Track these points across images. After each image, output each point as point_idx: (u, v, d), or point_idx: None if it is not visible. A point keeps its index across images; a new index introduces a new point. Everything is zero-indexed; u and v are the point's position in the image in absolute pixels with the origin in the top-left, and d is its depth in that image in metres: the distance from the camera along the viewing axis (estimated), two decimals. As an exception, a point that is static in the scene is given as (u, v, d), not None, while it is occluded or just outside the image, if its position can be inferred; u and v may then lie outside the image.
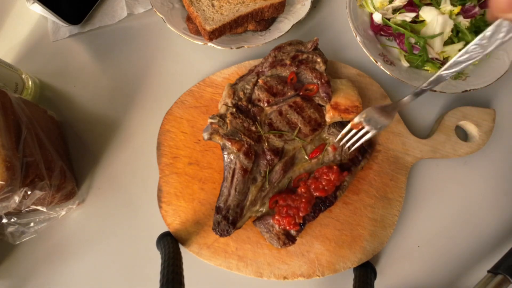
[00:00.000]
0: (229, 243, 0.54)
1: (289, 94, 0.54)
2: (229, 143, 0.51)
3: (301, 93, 0.55)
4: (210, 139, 0.51)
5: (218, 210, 0.51)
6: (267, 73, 0.56)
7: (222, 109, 0.54)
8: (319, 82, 0.55)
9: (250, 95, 0.55)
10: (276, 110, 0.54)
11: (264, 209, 0.53)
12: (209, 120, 0.52)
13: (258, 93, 0.54)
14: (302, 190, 0.52)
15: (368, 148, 0.56)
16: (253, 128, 0.53)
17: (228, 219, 0.50)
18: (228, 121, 0.52)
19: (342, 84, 0.56)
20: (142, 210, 0.59)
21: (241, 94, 0.54)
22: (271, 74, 0.56)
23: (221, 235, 0.50)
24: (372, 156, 0.57)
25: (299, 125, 0.54)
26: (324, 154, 0.54)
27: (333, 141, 0.55)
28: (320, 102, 0.55)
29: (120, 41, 0.69)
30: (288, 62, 0.55)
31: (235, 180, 0.51)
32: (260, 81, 0.55)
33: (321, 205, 0.52)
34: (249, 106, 0.54)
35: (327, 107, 0.55)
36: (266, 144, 0.52)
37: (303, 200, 0.51)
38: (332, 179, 0.52)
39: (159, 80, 0.66)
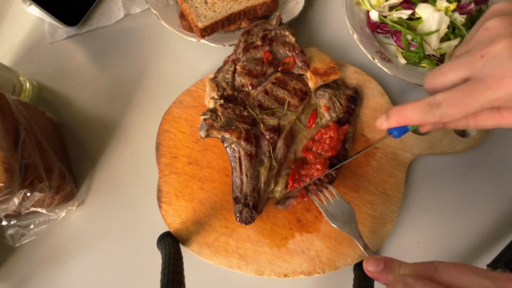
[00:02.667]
0: (229, 242, 0.55)
1: (269, 72, 0.56)
2: (227, 133, 0.51)
3: (280, 69, 0.57)
4: (208, 135, 0.51)
5: (236, 200, 0.52)
6: (242, 58, 0.57)
7: (210, 104, 0.55)
8: (293, 54, 0.57)
9: (233, 83, 0.56)
10: (262, 90, 0.55)
11: (279, 187, 0.54)
12: (202, 117, 0.53)
13: (240, 79, 0.55)
14: (310, 157, 0.54)
15: (356, 96, 0.58)
16: (245, 113, 0.53)
17: (249, 206, 0.51)
18: (220, 113, 0.52)
19: (313, 52, 0.60)
20: (142, 210, 0.59)
21: (224, 85, 0.55)
22: (247, 58, 0.57)
23: (246, 223, 0.51)
24: (370, 153, 0.58)
25: (287, 99, 0.55)
26: (320, 117, 0.57)
27: (323, 103, 0.57)
28: (300, 72, 0.57)
29: (117, 42, 0.69)
30: (259, 43, 0.57)
31: (243, 167, 0.51)
32: (238, 67, 0.56)
33: (336, 162, 0.54)
34: (235, 93, 0.55)
35: (308, 74, 0.57)
36: (262, 125, 0.53)
37: (318, 166, 0.52)
38: (332, 135, 0.54)
39: (157, 80, 0.66)
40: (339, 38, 0.67)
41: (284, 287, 0.55)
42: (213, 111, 0.53)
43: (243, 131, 0.52)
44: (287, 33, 0.58)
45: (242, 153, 0.51)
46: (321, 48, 0.64)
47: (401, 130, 0.41)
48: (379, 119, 0.41)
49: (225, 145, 0.52)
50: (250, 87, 0.55)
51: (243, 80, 0.55)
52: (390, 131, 0.42)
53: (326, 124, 0.56)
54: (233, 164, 0.52)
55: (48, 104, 0.65)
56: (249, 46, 0.57)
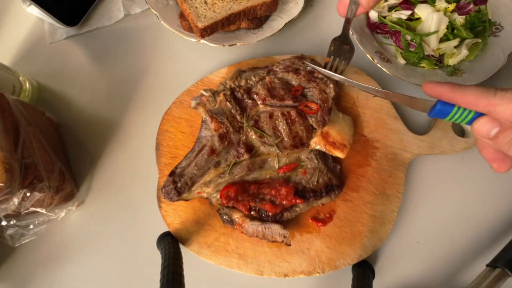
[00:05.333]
0: (229, 241, 0.55)
1: (286, 102, 0.54)
2: (210, 120, 0.51)
3: (300, 107, 0.54)
4: (195, 108, 0.53)
5: (172, 173, 0.52)
6: (279, 74, 0.56)
7: (219, 87, 0.55)
8: (322, 105, 0.54)
9: (251, 87, 0.55)
10: (269, 111, 0.54)
11: (217, 196, 0.53)
12: (201, 91, 0.53)
13: (259, 88, 0.55)
14: (252, 187, 0.52)
15: (336, 189, 0.54)
16: (238, 117, 0.53)
17: (176, 186, 0.51)
18: (218, 100, 0.52)
19: (342, 119, 0.56)
20: (142, 210, 0.59)
21: (242, 82, 0.55)
22: (282, 77, 0.56)
23: (164, 197, 0.51)
24: (370, 153, 0.58)
25: (283, 136, 0.53)
26: (292, 174, 0.53)
27: (307, 166, 0.54)
28: (314, 125, 0.54)
29: (117, 42, 0.69)
30: (303, 73, 0.56)
31: (200, 155, 0.52)
32: (267, 78, 0.55)
33: (263, 216, 0.52)
34: (244, 96, 0.54)
35: (318, 132, 0.54)
36: (244, 137, 0.53)
37: (283, 190, 0.51)
38: (283, 192, 0.51)
39: (156, 80, 0.66)
40: (338, 39, 0.67)
41: (284, 287, 0.55)
42: (214, 93, 0.53)
43: (224, 128, 0.52)
44: (331, 85, 0.56)
45: (208, 143, 0.52)
46: (318, 47, 0.64)
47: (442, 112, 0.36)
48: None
49: (202, 126, 0.53)
50: (261, 101, 0.54)
51: (261, 91, 0.54)
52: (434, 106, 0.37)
53: (288, 181, 0.53)
54: (195, 145, 0.53)
55: (48, 104, 0.65)
56: (292, 69, 0.56)
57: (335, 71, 0.54)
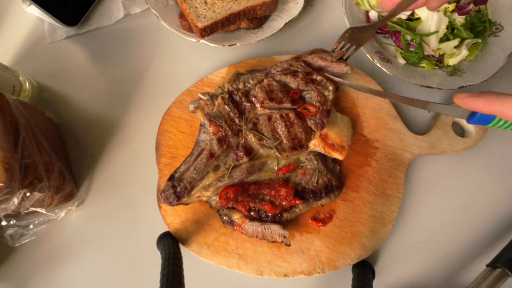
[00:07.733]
0: (229, 241, 0.55)
1: (284, 105, 0.54)
2: (209, 123, 0.51)
3: (298, 109, 0.54)
4: (193, 112, 0.53)
5: (171, 177, 0.52)
6: (277, 77, 0.56)
7: (217, 91, 0.55)
8: (320, 108, 0.54)
9: (249, 90, 0.55)
10: (267, 114, 0.54)
11: (216, 198, 0.53)
12: (199, 95, 0.54)
13: (257, 91, 0.54)
14: (251, 188, 0.52)
15: (335, 189, 0.54)
16: (236, 120, 0.53)
17: (175, 191, 0.51)
18: (216, 103, 0.52)
19: (341, 121, 0.56)
20: (141, 210, 0.59)
21: (240, 85, 0.55)
22: (279, 79, 0.56)
23: (164, 201, 0.51)
24: (370, 153, 0.58)
25: (282, 138, 0.53)
26: (292, 175, 0.54)
27: (306, 166, 0.54)
28: (312, 127, 0.54)
29: (117, 42, 0.69)
30: (300, 75, 0.55)
31: (199, 159, 0.51)
32: (265, 81, 0.55)
33: (262, 216, 0.52)
34: (243, 99, 0.54)
35: (317, 134, 0.54)
36: (243, 140, 0.52)
37: (283, 190, 0.51)
38: (282, 193, 0.51)
39: (156, 80, 0.66)
40: (338, 38, 0.67)
41: (284, 287, 0.55)
42: (212, 97, 0.53)
43: (223, 132, 0.52)
44: (330, 88, 0.55)
45: (207, 147, 0.51)
46: (321, 48, 0.64)
47: (483, 120, 0.33)
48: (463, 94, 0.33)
49: (201, 130, 0.53)
50: (259, 104, 0.54)
51: (259, 93, 0.54)
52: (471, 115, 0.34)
53: (287, 181, 0.53)
54: (194, 149, 0.53)
55: (47, 104, 0.65)
56: (290, 71, 0.56)
57: (342, 57, 0.57)
